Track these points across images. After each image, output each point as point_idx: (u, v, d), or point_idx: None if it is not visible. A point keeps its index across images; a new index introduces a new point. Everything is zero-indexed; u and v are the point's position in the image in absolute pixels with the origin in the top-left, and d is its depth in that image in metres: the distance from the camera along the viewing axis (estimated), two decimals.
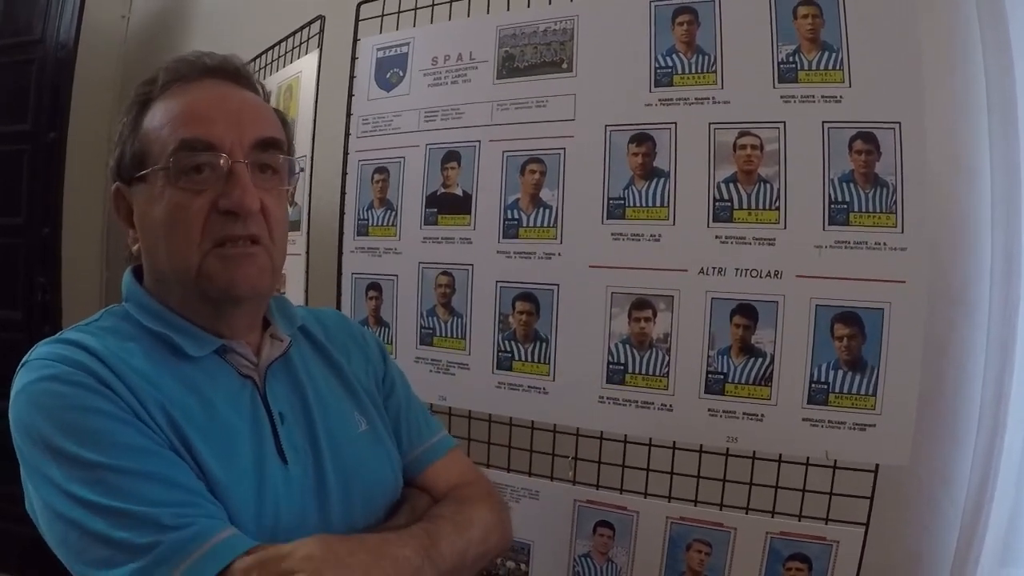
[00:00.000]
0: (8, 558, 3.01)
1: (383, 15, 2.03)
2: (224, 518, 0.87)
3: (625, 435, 1.66)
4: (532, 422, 1.77)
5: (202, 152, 0.96)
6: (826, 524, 1.48)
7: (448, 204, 1.87)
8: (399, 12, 2.00)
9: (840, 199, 1.47)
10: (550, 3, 1.77)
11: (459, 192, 1.85)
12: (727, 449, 1.55)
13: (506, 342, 1.78)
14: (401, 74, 1.96)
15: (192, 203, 0.95)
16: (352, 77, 2.07)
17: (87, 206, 3.11)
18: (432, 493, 1.17)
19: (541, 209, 1.74)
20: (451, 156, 1.86)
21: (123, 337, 0.97)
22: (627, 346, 1.63)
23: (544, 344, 1.73)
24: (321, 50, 2.20)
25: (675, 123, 1.60)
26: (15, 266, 3.17)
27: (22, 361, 0.93)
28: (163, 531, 0.81)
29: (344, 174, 2.07)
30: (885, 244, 1.43)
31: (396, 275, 1.95)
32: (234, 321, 1.03)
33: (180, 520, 0.82)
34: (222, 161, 0.96)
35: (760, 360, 1.52)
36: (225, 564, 0.81)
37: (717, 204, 1.55)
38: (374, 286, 2.00)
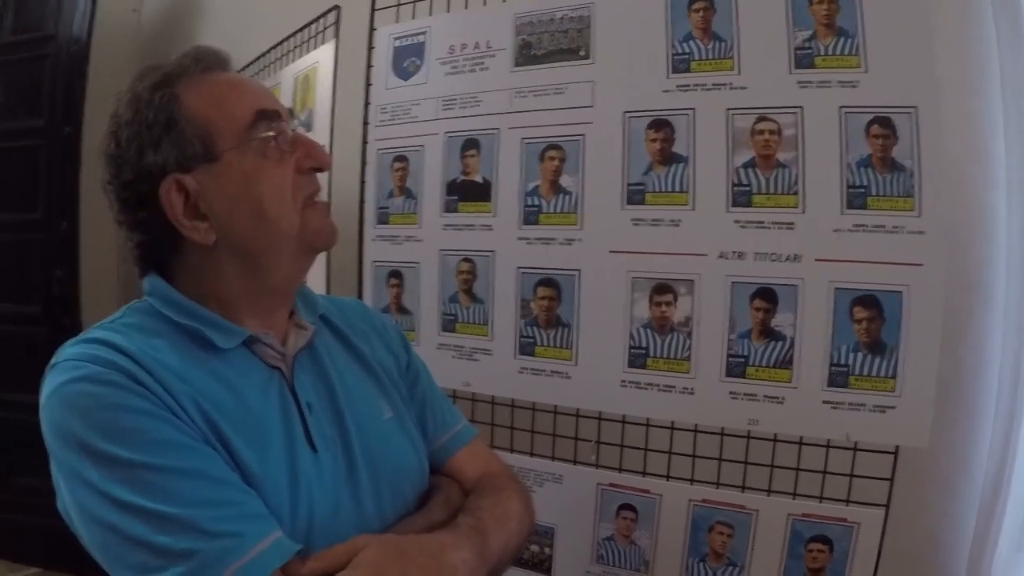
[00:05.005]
0: (34, 551, 3.04)
1: (399, 4, 2.03)
2: (265, 514, 0.88)
3: (647, 419, 1.67)
4: (555, 406, 1.78)
5: (278, 121, 1.01)
6: (847, 506, 1.49)
7: (468, 191, 1.88)
8: (415, 1, 2.00)
9: (858, 183, 1.47)
10: None
11: (479, 179, 1.86)
12: (748, 432, 1.57)
13: (528, 327, 1.80)
14: (418, 63, 1.97)
15: (283, 169, 1.01)
16: (369, 67, 2.08)
17: (104, 199, 3.13)
18: (460, 480, 1.18)
19: (561, 195, 1.75)
20: (470, 144, 1.87)
21: (149, 333, 0.96)
22: (648, 330, 1.65)
23: (566, 329, 1.75)
24: (338, 40, 2.21)
25: (693, 109, 1.61)
26: (33, 261, 3.19)
27: (50, 363, 0.92)
28: (203, 536, 0.81)
29: (363, 163, 2.08)
30: (903, 228, 1.44)
31: (418, 262, 1.97)
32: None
33: (221, 524, 0.82)
34: (291, 127, 1.03)
35: (780, 343, 1.53)
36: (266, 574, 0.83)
37: (736, 189, 1.56)
38: (395, 274, 2.01)
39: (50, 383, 0.89)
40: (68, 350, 0.92)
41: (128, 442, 0.84)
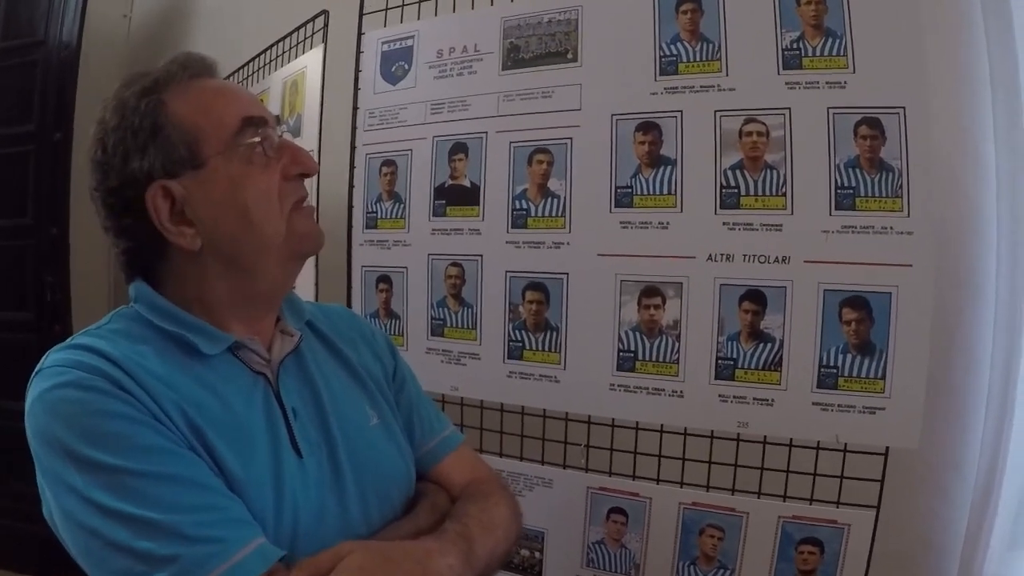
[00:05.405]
0: (28, 558, 3.03)
1: (387, 8, 2.03)
2: (249, 520, 0.88)
3: (636, 422, 1.66)
4: (544, 411, 1.78)
5: (264, 127, 1.01)
6: (837, 507, 1.49)
7: (456, 195, 1.87)
8: (403, 5, 2.00)
9: (846, 184, 1.47)
10: None
11: (467, 183, 1.85)
12: (738, 434, 1.56)
13: (516, 332, 1.79)
14: (406, 67, 1.97)
15: (269, 175, 1.01)
16: (357, 71, 2.08)
17: (93, 205, 3.13)
18: (447, 486, 1.18)
19: (549, 199, 1.74)
20: (458, 148, 1.87)
21: (135, 339, 0.96)
22: (637, 333, 1.64)
23: (554, 333, 1.74)
24: (326, 45, 2.20)
25: (681, 111, 1.60)
26: (24, 267, 3.18)
27: (36, 369, 0.92)
28: (186, 542, 0.81)
29: (352, 168, 2.07)
30: (892, 228, 1.44)
31: (406, 267, 1.96)
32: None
33: (203, 530, 0.82)
34: (277, 133, 1.03)
35: (769, 345, 1.53)
36: None
37: (724, 191, 1.56)
38: (384, 279, 2.01)
39: (35, 389, 0.90)
40: (53, 356, 0.93)
41: (112, 448, 0.84)
